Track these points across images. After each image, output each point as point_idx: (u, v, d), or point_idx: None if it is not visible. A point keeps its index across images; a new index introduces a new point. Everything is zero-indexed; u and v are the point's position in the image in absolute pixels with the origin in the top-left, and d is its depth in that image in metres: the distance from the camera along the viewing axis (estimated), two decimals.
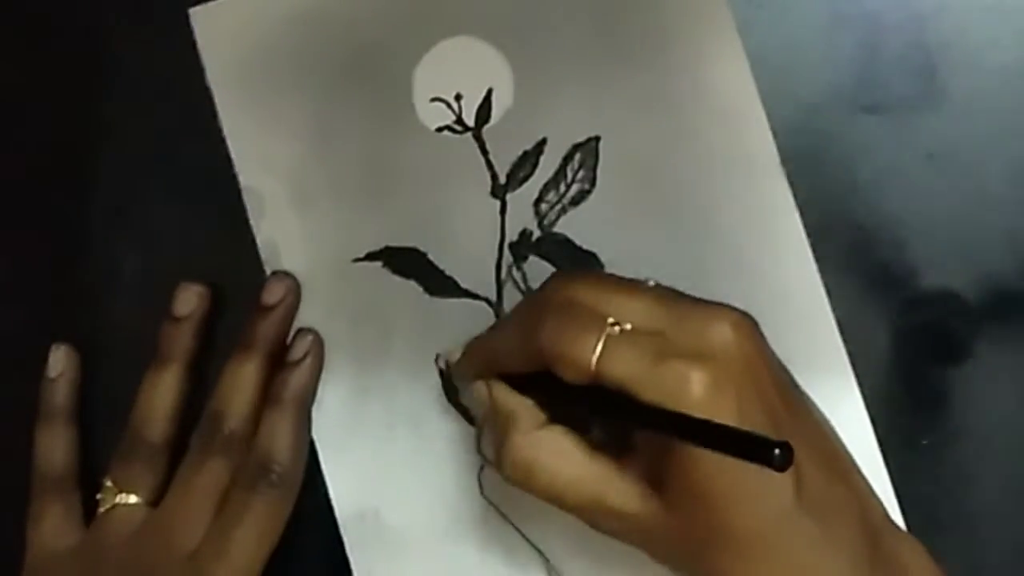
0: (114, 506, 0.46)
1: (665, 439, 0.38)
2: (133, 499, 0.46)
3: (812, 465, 0.39)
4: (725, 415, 0.37)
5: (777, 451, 0.33)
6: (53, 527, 0.47)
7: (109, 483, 0.47)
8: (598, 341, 0.38)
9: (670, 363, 0.37)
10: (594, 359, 0.38)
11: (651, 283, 0.41)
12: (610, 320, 0.39)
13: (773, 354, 0.40)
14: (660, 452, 0.38)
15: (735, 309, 0.39)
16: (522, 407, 0.41)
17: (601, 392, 0.38)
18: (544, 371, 0.40)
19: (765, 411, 0.38)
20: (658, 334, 0.38)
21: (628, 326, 0.39)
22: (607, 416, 0.39)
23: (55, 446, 0.48)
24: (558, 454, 0.40)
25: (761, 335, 0.39)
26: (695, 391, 0.37)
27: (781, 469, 0.33)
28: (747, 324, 0.39)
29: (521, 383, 0.42)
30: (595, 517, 0.40)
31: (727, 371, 0.37)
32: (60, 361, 0.49)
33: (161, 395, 0.47)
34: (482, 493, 0.47)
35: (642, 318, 0.39)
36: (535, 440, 0.40)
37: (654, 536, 0.39)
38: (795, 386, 0.42)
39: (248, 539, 0.44)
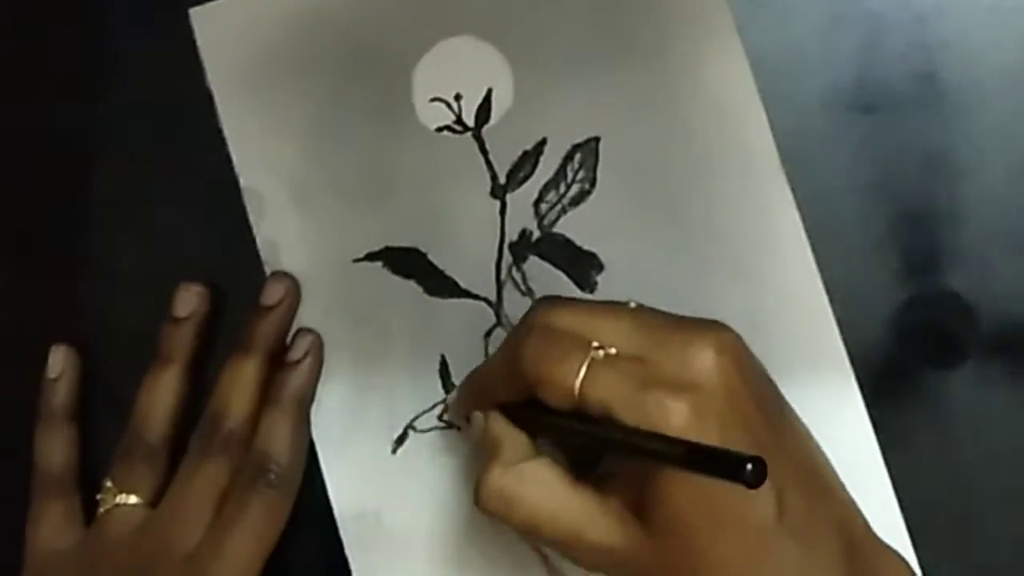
0: (114, 506, 0.46)
1: (646, 467, 0.38)
2: (133, 499, 0.46)
3: (794, 486, 0.39)
4: None
5: (749, 466, 0.33)
6: (53, 527, 0.47)
7: (109, 483, 0.47)
8: (582, 365, 0.38)
9: (652, 392, 0.37)
10: (577, 383, 0.38)
11: (632, 304, 0.41)
12: (594, 344, 0.39)
13: (758, 370, 0.40)
14: (642, 481, 0.38)
15: (717, 328, 0.39)
16: (509, 438, 0.41)
17: (585, 417, 0.38)
18: (533, 398, 0.40)
19: (748, 437, 0.38)
20: (641, 359, 0.38)
21: (612, 350, 0.39)
22: (588, 441, 0.39)
23: (55, 446, 0.48)
24: (538, 487, 0.40)
25: (745, 353, 0.39)
26: (676, 422, 0.37)
27: (754, 485, 0.33)
28: (730, 346, 0.39)
29: (518, 414, 0.42)
30: (575, 552, 0.40)
31: (709, 401, 0.37)
32: (60, 361, 0.48)
33: (161, 395, 0.47)
34: None
35: (625, 342, 0.39)
36: (516, 471, 0.40)
37: (636, 568, 0.39)
38: (778, 401, 0.41)
39: (247, 539, 0.44)
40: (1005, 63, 0.46)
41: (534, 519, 0.40)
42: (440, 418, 0.47)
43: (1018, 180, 0.45)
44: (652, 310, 0.41)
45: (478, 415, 0.43)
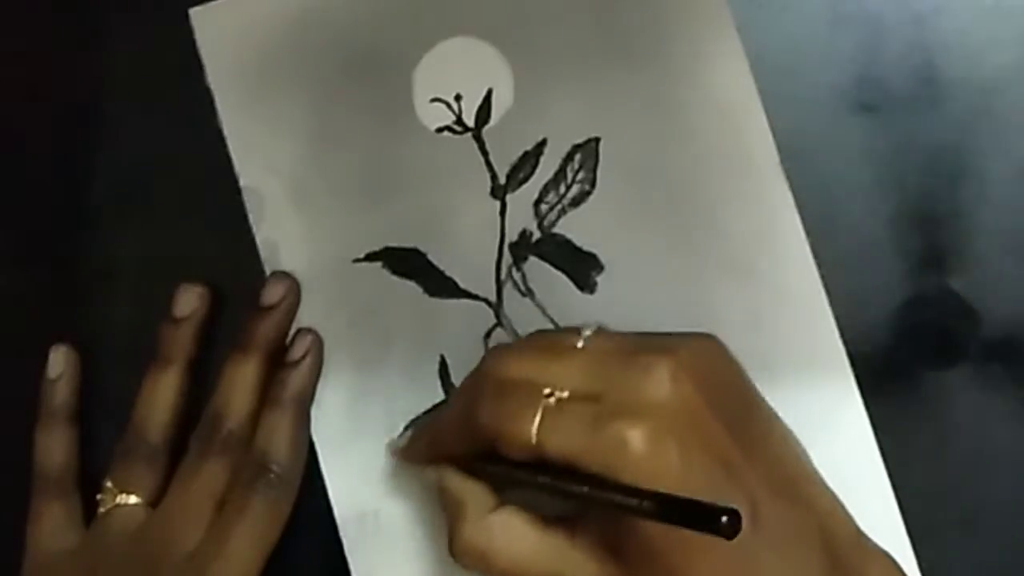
0: (114, 506, 0.46)
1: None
2: (133, 500, 0.46)
3: (768, 496, 0.38)
4: (668, 469, 0.36)
5: (724, 519, 0.32)
6: (53, 527, 0.47)
7: (109, 484, 0.47)
8: (535, 415, 0.38)
9: (607, 426, 0.37)
10: (534, 434, 0.38)
11: (588, 332, 0.40)
12: (546, 391, 0.38)
13: (727, 382, 0.40)
14: (613, 517, 0.38)
15: (674, 347, 0.38)
16: (470, 493, 0.41)
17: (550, 466, 0.38)
18: (494, 452, 0.40)
19: (712, 456, 0.38)
20: (595, 397, 0.38)
21: (565, 394, 0.38)
22: (556, 492, 0.39)
23: (55, 446, 0.48)
24: (509, 538, 0.40)
25: (709, 367, 0.39)
26: (634, 450, 0.36)
27: (730, 536, 0.33)
28: (687, 365, 0.38)
29: (474, 462, 0.41)
30: None
31: (665, 424, 0.37)
32: (60, 361, 0.49)
33: (161, 396, 0.47)
34: None
35: (579, 382, 0.39)
36: (485, 527, 0.40)
37: None
38: (751, 411, 0.41)
39: (247, 539, 0.44)
40: (1005, 63, 0.46)
41: (512, 570, 0.40)
42: (391, 453, 0.47)
43: (1018, 180, 0.45)
44: (609, 337, 0.40)
45: (431, 471, 0.43)
